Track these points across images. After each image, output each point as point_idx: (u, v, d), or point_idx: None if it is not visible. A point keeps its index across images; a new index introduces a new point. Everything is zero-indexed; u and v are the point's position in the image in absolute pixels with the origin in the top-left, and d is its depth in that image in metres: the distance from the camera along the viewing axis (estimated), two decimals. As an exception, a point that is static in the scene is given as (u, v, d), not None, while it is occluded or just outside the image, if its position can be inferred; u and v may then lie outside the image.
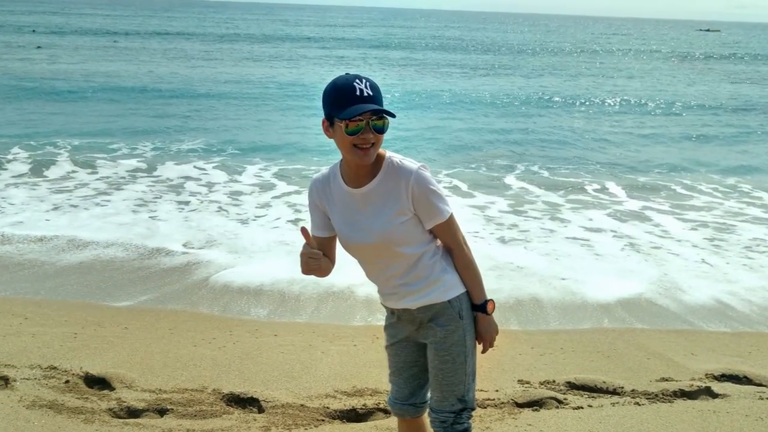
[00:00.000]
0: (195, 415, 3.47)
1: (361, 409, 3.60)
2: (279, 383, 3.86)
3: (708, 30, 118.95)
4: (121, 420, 3.40)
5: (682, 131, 16.06)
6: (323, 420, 3.48)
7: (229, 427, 3.36)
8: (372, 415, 3.57)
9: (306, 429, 3.37)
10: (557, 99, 21.13)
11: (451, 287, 2.29)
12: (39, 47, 30.52)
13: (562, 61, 38.93)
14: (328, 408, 3.58)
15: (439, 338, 2.31)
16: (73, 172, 9.79)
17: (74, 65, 24.24)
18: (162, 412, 3.51)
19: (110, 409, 3.48)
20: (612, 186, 10.12)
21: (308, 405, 3.60)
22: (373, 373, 4.01)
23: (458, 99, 20.42)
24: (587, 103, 20.66)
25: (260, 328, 4.75)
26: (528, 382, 3.95)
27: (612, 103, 20.68)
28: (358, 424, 3.51)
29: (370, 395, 3.75)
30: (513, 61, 36.51)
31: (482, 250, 6.67)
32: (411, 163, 2.19)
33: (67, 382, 3.72)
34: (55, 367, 3.88)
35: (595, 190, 9.82)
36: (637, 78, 29.81)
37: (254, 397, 3.68)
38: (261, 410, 3.58)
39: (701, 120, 18.01)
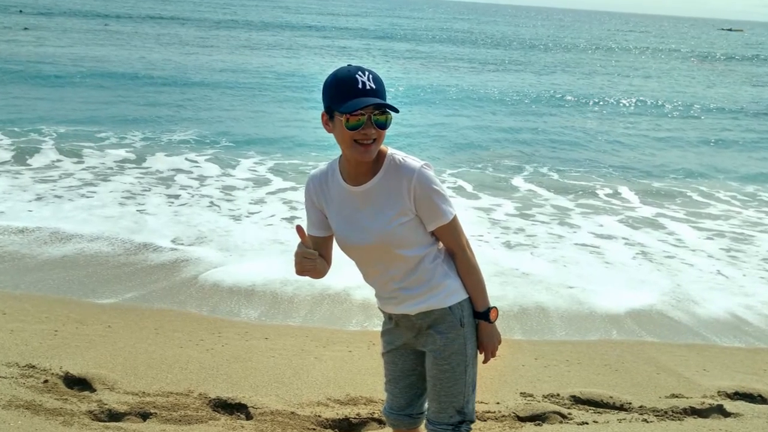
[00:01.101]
0: (179, 420, 3.47)
1: (355, 418, 3.60)
2: (269, 389, 3.86)
3: (730, 29, 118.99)
4: (102, 423, 3.40)
5: (700, 135, 16.07)
6: (314, 429, 3.48)
7: (215, 433, 3.36)
8: (366, 425, 3.58)
9: (296, 438, 3.38)
10: (570, 98, 21.14)
11: (452, 293, 2.29)
12: (26, 28, 30.49)
13: (575, 58, 38.95)
14: (319, 416, 3.59)
15: (439, 346, 2.31)
16: (58, 161, 9.79)
17: (62, 48, 24.23)
18: (145, 416, 3.51)
19: (90, 412, 3.48)
20: (625, 191, 10.12)
21: (299, 413, 3.61)
22: (368, 380, 4.01)
23: (465, 95, 20.43)
24: (601, 103, 20.67)
25: (250, 331, 4.75)
26: (531, 395, 3.95)
27: (627, 104, 20.69)
28: (351, 434, 3.51)
29: (365, 404, 3.75)
30: (524, 57, 36.52)
31: (486, 254, 6.68)
32: (414, 162, 2.19)
33: (45, 381, 3.72)
34: (34, 366, 3.88)
35: (607, 195, 9.82)
36: (654, 78, 29.83)
37: (242, 402, 3.68)
38: (249, 417, 3.58)
39: (720, 124, 18.02)
